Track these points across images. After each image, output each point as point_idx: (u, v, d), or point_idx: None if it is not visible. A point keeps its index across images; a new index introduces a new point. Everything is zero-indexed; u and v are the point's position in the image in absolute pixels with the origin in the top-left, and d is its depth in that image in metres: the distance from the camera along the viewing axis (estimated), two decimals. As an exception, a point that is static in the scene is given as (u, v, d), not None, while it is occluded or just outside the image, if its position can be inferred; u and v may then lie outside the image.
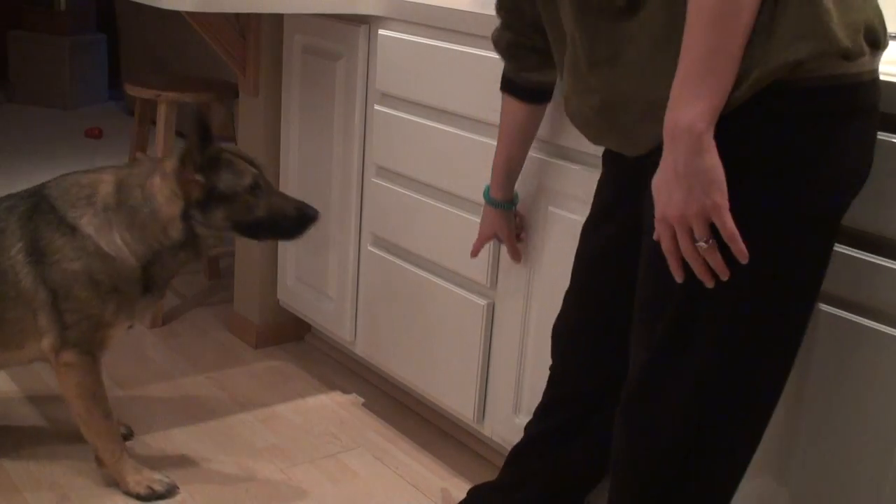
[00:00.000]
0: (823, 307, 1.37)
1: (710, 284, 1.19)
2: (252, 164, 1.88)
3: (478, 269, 1.97)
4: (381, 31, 2.13)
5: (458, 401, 2.08)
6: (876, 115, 1.23)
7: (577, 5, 1.29)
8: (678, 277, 1.20)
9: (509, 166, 1.73)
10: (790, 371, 1.30)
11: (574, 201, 1.75)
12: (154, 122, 2.95)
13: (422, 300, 2.13)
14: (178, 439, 2.20)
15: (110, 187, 1.87)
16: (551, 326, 1.84)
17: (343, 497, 2.03)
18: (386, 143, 2.17)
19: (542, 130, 1.78)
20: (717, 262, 1.17)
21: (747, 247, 1.16)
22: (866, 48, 1.17)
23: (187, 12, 2.19)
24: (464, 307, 2.02)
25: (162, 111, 2.85)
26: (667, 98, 1.15)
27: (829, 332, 1.39)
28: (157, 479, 1.97)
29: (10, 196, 1.95)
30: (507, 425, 1.97)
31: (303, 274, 2.53)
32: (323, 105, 2.35)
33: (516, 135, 1.68)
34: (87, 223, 1.84)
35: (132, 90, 2.93)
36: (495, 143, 1.88)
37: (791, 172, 1.17)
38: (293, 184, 2.50)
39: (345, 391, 2.49)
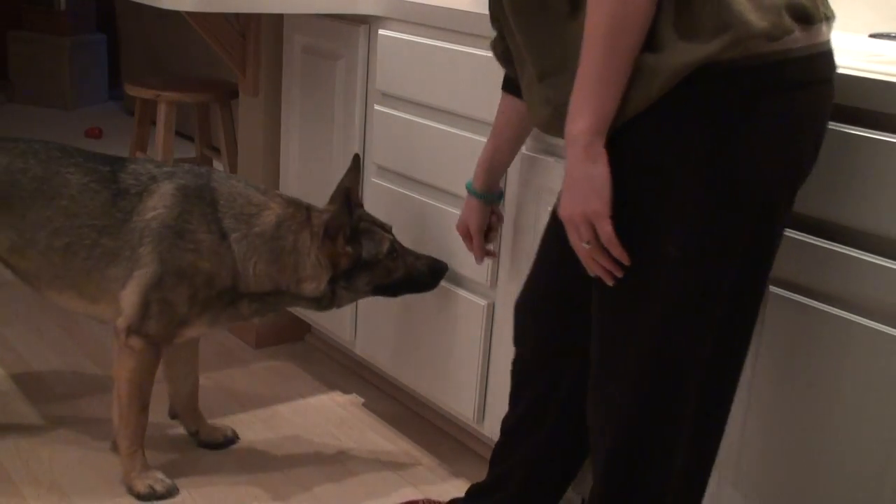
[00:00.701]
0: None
1: (609, 282, 1.25)
2: (383, 227, 1.95)
3: (478, 269, 1.97)
4: (381, 31, 2.13)
5: (458, 401, 2.08)
6: (817, 91, 1.23)
7: (515, 8, 1.32)
8: (589, 271, 1.28)
9: (494, 158, 1.74)
10: (744, 349, 1.33)
11: (574, 201, 1.75)
12: (154, 122, 2.95)
13: (422, 300, 2.12)
14: (178, 439, 2.20)
15: (272, 219, 1.90)
16: (551, 326, 1.84)
17: (343, 497, 2.03)
18: (386, 143, 2.17)
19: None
20: (604, 261, 1.24)
21: (681, 235, 1.21)
22: (793, 25, 1.18)
23: (187, 12, 2.19)
24: (464, 307, 2.02)
25: (162, 111, 2.86)
26: None
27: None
28: (160, 479, 1.97)
29: (161, 163, 1.99)
30: (507, 425, 1.97)
31: (303, 274, 2.53)
32: (323, 105, 2.35)
33: (508, 131, 1.70)
34: (237, 240, 1.87)
35: (132, 90, 2.93)
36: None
37: (716, 158, 1.19)
38: (293, 184, 2.50)
39: (345, 391, 2.49)
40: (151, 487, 1.96)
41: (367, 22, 2.19)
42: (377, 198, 2.22)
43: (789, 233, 1.39)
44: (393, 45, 2.10)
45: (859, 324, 1.35)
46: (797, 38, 1.19)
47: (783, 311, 1.43)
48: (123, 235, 1.87)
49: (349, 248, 1.88)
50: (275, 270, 1.89)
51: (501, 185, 1.82)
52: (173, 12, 2.12)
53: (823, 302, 1.39)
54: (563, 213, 1.25)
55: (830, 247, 1.37)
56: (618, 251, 1.23)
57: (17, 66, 5.63)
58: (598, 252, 1.24)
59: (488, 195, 1.78)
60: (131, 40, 5.42)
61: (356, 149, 2.27)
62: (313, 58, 2.37)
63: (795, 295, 1.42)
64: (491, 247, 1.86)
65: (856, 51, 1.66)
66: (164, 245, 1.85)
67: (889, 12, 1.92)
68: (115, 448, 2.02)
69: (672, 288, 1.25)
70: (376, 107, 2.18)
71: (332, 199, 1.97)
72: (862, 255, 1.34)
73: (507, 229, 1.91)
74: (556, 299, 1.56)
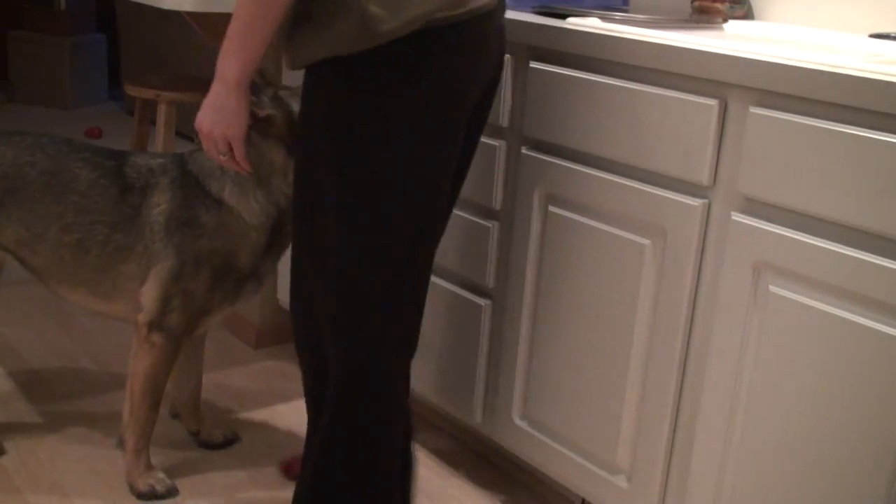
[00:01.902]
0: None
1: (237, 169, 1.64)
2: None
3: (478, 269, 1.97)
4: (381, 31, 2.13)
5: (458, 401, 2.09)
6: (457, 48, 1.44)
7: None
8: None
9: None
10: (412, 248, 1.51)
11: (574, 201, 1.75)
12: (154, 122, 2.95)
13: (422, 300, 2.13)
14: (178, 439, 2.20)
15: None
16: (552, 326, 1.84)
17: (343, 497, 2.03)
18: (386, 143, 2.16)
19: (542, 130, 1.78)
20: (235, 166, 1.61)
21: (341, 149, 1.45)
22: (418, 25, 1.37)
23: (187, 12, 2.19)
24: (464, 307, 2.02)
25: (162, 111, 2.85)
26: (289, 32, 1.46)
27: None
28: (161, 480, 1.98)
29: (152, 154, 2.02)
30: (507, 426, 1.97)
31: (303, 274, 2.53)
32: (323, 105, 2.35)
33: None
34: (230, 194, 1.89)
35: (132, 90, 2.93)
36: (495, 143, 1.88)
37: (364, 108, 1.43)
38: (293, 184, 2.50)
39: (345, 391, 2.49)
40: (152, 487, 1.96)
41: (367, 22, 2.19)
42: (377, 198, 2.22)
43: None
44: (393, 45, 2.10)
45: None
46: (436, 20, 1.39)
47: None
48: (135, 231, 1.89)
49: (271, 111, 1.85)
50: (265, 187, 1.88)
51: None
52: (173, 12, 2.12)
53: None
54: (205, 130, 1.54)
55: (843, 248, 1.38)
56: (244, 167, 1.62)
57: (17, 66, 5.63)
58: (230, 161, 1.61)
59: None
60: (131, 40, 5.42)
61: (356, 149, 2.27)
62: (313, 58, 2.37)
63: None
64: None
65: (856, 51, 1.67)
66: (176, 237, 1.87)
67: (889, 12, 1.93)
68: (121, 444, 2.02)
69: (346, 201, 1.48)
70: (376, 107, 2.18)
71: None
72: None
73: (506, 231, 1.91)
74: None
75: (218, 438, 2.18)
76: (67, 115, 5.45)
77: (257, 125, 1.84)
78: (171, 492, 1.98)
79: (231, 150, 1.58)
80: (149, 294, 1.89)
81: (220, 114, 1.52)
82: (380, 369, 1.57)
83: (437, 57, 1.43)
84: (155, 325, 1.89)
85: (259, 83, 1.87)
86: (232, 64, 1.47)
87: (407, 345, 1.63)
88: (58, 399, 2.35)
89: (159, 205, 1.89)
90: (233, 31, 1.45)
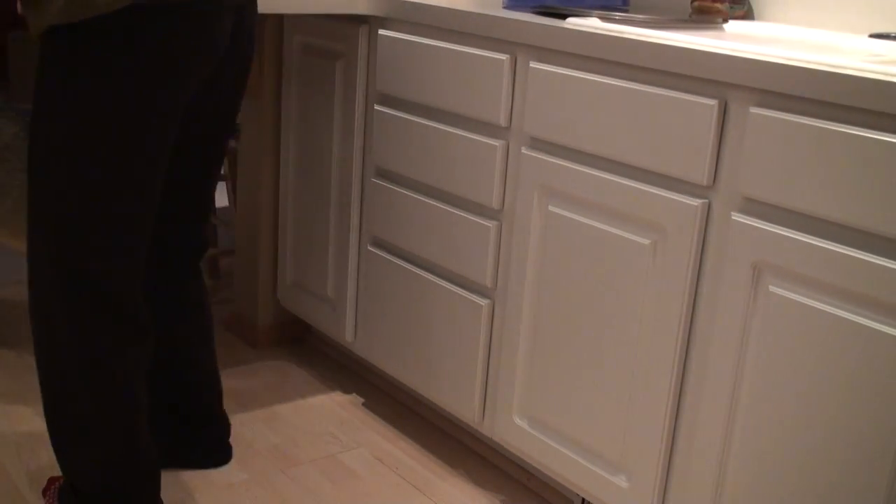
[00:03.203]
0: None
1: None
2: None
3: (478, 269, 1.97)
4: (381, 31, 2.13)
5: (458, 401, 2.09)
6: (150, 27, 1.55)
7: None
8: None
9: None
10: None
11: (574, 201, 1.75)
12: (154, 122, 2.95)
13: (422, 300, 2.13)
14: (178, 439, 2.20)
15: None
16: (552, 326, 1.84)
17: (343, 497, 2.03)
18: (386, 144, 2.17)
19: (541, 130, 1.78)
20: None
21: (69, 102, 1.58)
22: (128, 1, 1.50)
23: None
24: (464, 307, 2.02)
25: (162, 111, 2.86)
26: None
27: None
28: None
29: None
30: (507, 425, 1.97)
31: (303, 274, 2.53)
32: (323, 105, 2.36)
33: None
34: None
35: (132, 90, 2.93)
36: (495, 143, 1.88)
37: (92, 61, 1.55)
38: (292, 184, 2.50)
39: (345, 391, 2.49)
40: None
41: (367, 22, 2.20)
42: (377, 197, 2.22)
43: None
44: (393, 45, 2.10)
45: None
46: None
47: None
48: None
49: None
50: None
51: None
52: (173, 12, 2.12)
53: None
54: None
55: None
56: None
57: (17, 66, 5.63)
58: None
59: None
60: (131, 40, 5.42)
61: (356, 149, 2.27)
62: (313, 58, 2.37)
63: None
64: None
65: (856, 51, 1.66)
66: None
67: (889, 12, 1.93)
68: None
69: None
70: (376, 107, 2.18)
71: None
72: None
73: (506, 231, 1.91)
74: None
75: None
76: (67, 115, 5.46)
77: None
78: None
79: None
80: None
81: None
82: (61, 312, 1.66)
83: (149, 32, 1.54)
84: None
85: None
86: None
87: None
88: (58, 399, 2.35)
89: None
90: None
